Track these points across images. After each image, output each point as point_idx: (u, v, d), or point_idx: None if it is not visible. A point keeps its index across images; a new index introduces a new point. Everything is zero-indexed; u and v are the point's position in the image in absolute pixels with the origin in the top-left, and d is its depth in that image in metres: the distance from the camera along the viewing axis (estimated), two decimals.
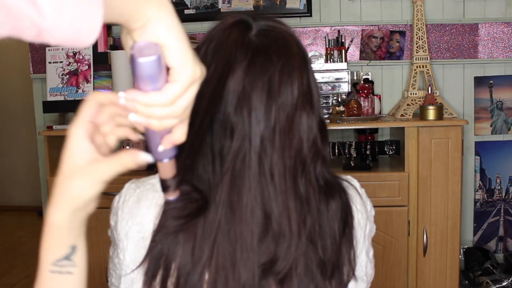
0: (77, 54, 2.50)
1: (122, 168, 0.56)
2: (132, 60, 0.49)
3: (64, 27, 0.41)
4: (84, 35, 0.43)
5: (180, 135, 0.55)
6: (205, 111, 0.71)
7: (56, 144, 2.41)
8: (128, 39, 0.52)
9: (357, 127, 2.38)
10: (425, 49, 2.46)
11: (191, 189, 0.71)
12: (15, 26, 0.40)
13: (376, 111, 2.43)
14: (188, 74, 0.51)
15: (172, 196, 0.63)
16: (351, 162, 2.29)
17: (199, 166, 0.72)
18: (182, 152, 0.70)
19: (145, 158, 0.56)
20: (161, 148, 0.56)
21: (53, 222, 0.58)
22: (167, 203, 0.72)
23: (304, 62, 0.74)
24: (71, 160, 0.56)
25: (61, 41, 0.42)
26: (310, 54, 2.68)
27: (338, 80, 2.50)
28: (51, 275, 0.59)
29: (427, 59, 2.47)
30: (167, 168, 0.61)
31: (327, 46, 2.61)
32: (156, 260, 0.71)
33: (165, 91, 0.50)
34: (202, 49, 0.74)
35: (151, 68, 0.48)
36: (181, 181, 0.63)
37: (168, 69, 0.51)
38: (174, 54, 0.50)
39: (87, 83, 2.50)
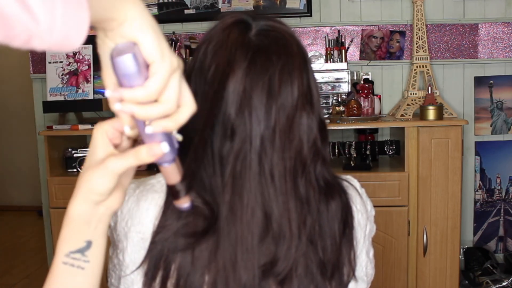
0: (77, 54, 2.50)
1: (136, 161, 0.57)
2: (111, 60, 0.51)
3: (56, 31, 0.42)
4: (72, 38, 0.44)
5: (178, 120, 0.56)
6: (206, 112, 0.70)
7: (56, 144, 2.42)
8: (106, 41, 0.53)
9: (357, 127, 2.38)
10: (425, 49, 2.46)
11: (199, 201, 0.70)
12: (7, 33, 0.41)
13: (376, 111, 2.43)
14: (165, 65, 0.52)
15: (185, 203, 0.62)
16: (351, 162, 2.29)
17: (199, 167, 0.71)
18: (186, 155, 0.70)
19: (162, 148, 0.56)
20: (149, 129, 0.54)
21: (71, 213, 0.60)
22: (167, 204, 0.72)
23: (304, 62, 0.74)
24: (91, 156, 0.60)
25: (50, 45, 0.43)
26: (310, 54, 2.68)
27: (338, 80, 2.50)
28: (63, 267, 0.60)
29: (427, 59, 2.47)
30: (172, 173, 0.60)
31: (327, 46, 2.61)
32: (156, 261, 0.71)
33: (147, 84, 0.52)
34: (202, 49, 0.74)
35: (128, 66, 0.50)
36: (189, 188, 0.63)
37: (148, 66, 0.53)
38: (149, 49, 0.52)
39: (87, 83, 2.50)
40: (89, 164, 0.60)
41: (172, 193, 0.62)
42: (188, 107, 0.56)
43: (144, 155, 0.57)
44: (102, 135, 0.60)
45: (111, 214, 0.62)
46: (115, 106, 0.53)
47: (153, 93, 0.52)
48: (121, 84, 0.52)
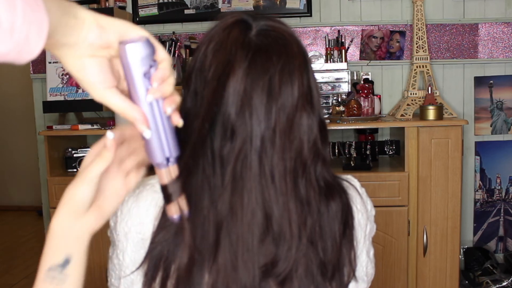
0: None
1: (106, 162, 0.61)
2: (122, 48, 0.54)
3: (17, 32, 0.42)
4: (32, 41, 0.44)
5: (176, 96, 0.60)
6: (206, 112, 0.70)
7: (56, 144, 2.42)
8: (84, 59, 0.54)
9: (357, 127, 2.38)
10: (425, 49, 2.46)
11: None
12: None
13: (376, 111, 2.43)
14: (145, 33, 0.57)
15: (174, 213, 0.63)
16: (351, 162, 2.29)
17: (200, 167, 0.71)
18: (183, 153, 0.70)
19: (108, 135, 0.62)
20: (179, 122, 0.59)
21: (52, 227, 0.62)
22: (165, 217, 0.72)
23: (304, 62, 0.74)
24: (81, 167, 0.64)
25: (10, 48, 0.43)
26: (310, 54, 2.68)
27: (338, 80, 2.50)
28: (43, 283, 0.61)
29: (427, 59, 2.47)
30: (166, 174, 0.61)
31: (327, 46, 2.61)
32: (156, 261, 0.71)
33: (163, 66, 0.57)
34: (202, 49, 0.74)
35: (147, 48, 0.55)
36: (181, 191, 0.63)
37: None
38: (147, 36, 0.56)
39: None
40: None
41: (164, 194, 0.62)
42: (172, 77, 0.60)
43: (106, 154, 0.61)
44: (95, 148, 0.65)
45: (90, 233, 0.62)
46: (147, 98, 0.56)
47: (170, 70, 0.58)
48: (130, 72, 0.55)
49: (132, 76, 0.55)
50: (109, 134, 0.62)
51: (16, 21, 0.42)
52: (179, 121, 0.60)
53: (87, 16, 0.53)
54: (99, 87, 0.56)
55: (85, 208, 0.61)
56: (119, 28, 0.55)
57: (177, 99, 0.60)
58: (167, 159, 0.60)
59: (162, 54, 0.57)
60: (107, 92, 0.56)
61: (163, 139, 0.59)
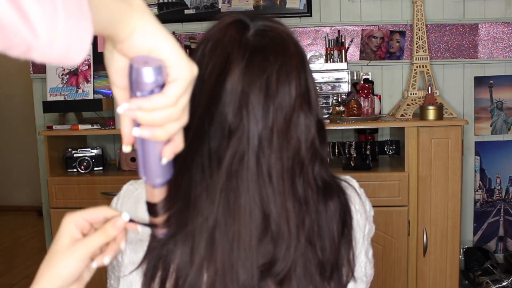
0: None
1: (105, 238, 0.60)
2: (137, 70, 0.49)
3: (57, 45, 0.41)
4: (74, 53, 0.42)
5: (179, 142, 0.56)
6: (203, 112, 0.70)
7: (56, 144, 2.42)
8: (114, 53, 0.52)
9: (357, 127, 2.38)
10: (425, 49, 2.46)
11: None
12: (6, 43, 0.39)
13: (376, 111, 2.43)
14: (187, 71, 0.51)
15: (161, 230, 0.63)
16: (351, 162, 2.29)
17: (198, 167, 0.71)
18: (181, 153, 0.70)
19: (123, 218, 0.60)
20: (164, 161, 0.55)
21: None
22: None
23: (302, 62, 0.74)
24: (56, 243, 0.60)
25: (50, 59, 0.42)
26: (310, 54, 2.68)
27: (338, 80, 2.50)
28: None
29: (427, 59, 2.47)
30: (162, 193, 0.61)
31: (327, 46, 2.61)
32: (155, 262, 0.71)
33: (168, 91, 0.50)
34: (200, 49, 0.74)
35: (157, 75, 0.49)
36: (168, 208, 0.63)
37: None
38: (169, 54, 0.50)
39: (87, 83, 2.50)
40: (54, 251, 0.59)
41: (150, 210, 0.62)
42: (183, 119, 0.54)
43: (110, 230, 0.59)
44: (71, 224, 0.60)
45: None
46: (133, 132, 0.52)
47: (173, 101, 0.50)
48: (135, 92, 0.51)
49: (131, 94, 0.53)
50: (125, 216, 0.61)
51: (57, 34, 0.40)
52: (168, 158, 0.56)
53: (139, 23, 0.49)
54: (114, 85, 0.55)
55: (70, 283, 0.59)
56: (156, 42, 0.50)
57: (178, 145, 0.56)
58: (159, 181, 0.58)
59: (175, 73, 0.51)
60: (116, 91, 0.55)
61: (153, 163, 0.56)
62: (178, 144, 0.56)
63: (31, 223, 4.79)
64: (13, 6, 0.37)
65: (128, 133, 0.53)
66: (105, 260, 0.61)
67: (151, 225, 0.63)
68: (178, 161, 0.69)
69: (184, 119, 0.54)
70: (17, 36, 0.39)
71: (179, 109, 0.52)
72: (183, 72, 0.51)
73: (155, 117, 0.51)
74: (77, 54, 0.42)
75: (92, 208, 0.62)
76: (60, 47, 0.41)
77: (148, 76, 0.49)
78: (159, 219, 0.62)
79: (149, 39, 0.49)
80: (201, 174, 0.70)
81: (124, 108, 0.51)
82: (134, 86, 0.51)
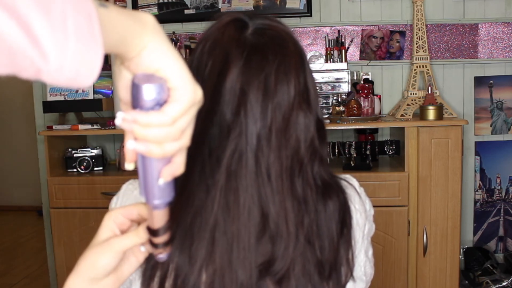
0: None
1: (138, 239, 0.62)
2: (137, 87, 0.49)
3: (66, 69, 0.41)
4: (83, 77, 0.42)
5: (179, 164, 0.55)
6: (206, 111, 0.70)
7: (56, 144, 2.42)
8: (122, 70, 0.52)
9: (357, 127, 2.37)
10: (425, 49, 2.46)
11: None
12: (16, 67, 0.39)
13: (376, 111, 2.43)
14: (189, 94, 0.51)
15: (163, 253, 0.63)
16: (351, 162, 2.29)
17: (197, 166, 0.71)
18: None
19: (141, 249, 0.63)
20: (161, 181, 0.54)
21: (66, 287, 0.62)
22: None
23: (301, 60, 0.74)
24: (96, 238, 0.64)
25: (59, 82, 0.42)
26: (310, 54, 2.68)
27: (338, 80, 2.50)
28: None
29: (427, 59, 2.47)
30: (162, 215, 0.59)
31: (327, 46, 2.61)
32: (154, 261, 0.70)
33: (166, 110, 0.50)
34: (199, 48, 0.74)
35: (157, 93, 0.49)
36: (170, 228, 0.62)
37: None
38: (175, 75, 0.50)
39: None
40: (93, 244, 0.63)
41: (151, 232, 0.61)
42: (182, 141, 0.53)
43: (143, 233, 0.61)
44: (110, 220, 0.64)
45: None
46: (127, 145, 0.52)
47: (169, 121, 0.50)
48: (135, 108, 0.51)
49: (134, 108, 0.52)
50: (142, 248, 0.63)
51: (67, 58, 0.40)
52: (165, 179, 0.55)
53: (149, 43, 0.49)
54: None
55: (105, 275, 0.62)
56: (164, 63, 0.50)
57: (178, 168, 0.55)
58: (157, 203, 0.57)
59: (177, 94, 0.50)
60: (122, 107, 0.55)
61: (151, 183, 0.55)
62: (178, 166, 0.55)
63: (31, 223, 4.80)
64: (24, 30, 0.37)
65: (130, 150, 0.53)
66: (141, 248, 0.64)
67: (152, 244, 0.62)
68: None
69: (184, 141, 0.53)
70: (26, 60, 0.39)
71: (177, 129, 0.51)
72: (186, 94, 0.51)
73: (150, 133, 0.50)
74: (87, 77, 0.42)
75: (131, 205, 0.65)
76: (69, 71, 0.41)
77: (148, 93, 0.49)
78: (160, 239, 0.61)
79: (157, 59, 0.49)
80: (201, 174, 0.70)
81: (121, 117, 0.50)
82: (135, 102, 0.50)
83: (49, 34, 0.38)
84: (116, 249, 0.61)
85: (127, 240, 0.61)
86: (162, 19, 2.75)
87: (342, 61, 2.54)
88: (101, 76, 2.58)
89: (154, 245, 0.62)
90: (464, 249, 2.65)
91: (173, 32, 2.68)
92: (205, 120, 0.70)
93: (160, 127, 0.50)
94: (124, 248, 0.61)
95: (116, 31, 0.46)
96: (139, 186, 0.56)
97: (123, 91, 0.53)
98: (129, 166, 0.54)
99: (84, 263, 0.61)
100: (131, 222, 0.65)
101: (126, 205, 0.66)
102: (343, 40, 2.60)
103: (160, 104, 0.50)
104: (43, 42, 0.38)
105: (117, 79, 0.54)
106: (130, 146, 0.52)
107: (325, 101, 2.50)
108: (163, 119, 0.50)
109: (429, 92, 2.35)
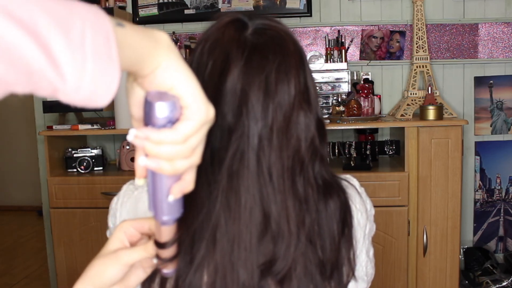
0: None
1: (145, 254, 0.62)
2: (150, 104, 0.50)
3: (83, 90, 0.41)
4: (100, 97, 0.43)
5: (189, 182, 0.56)
6: None
7: (56, 144, 2.42)
8: (134, 87, 0.52)
9: (357, 127, 2.38)
10: (425, 49, 2.46)
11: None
12: (33, 85, 0.40)
13: (376, 111, 2.43)
14: (202, 112, 0.51)
15: (169, 268, 0.63)
16: (351, 162, 2.29)
17: (199, 167, 0.71)
18: None
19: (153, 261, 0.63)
20: (171, 198, 0.55)
21: None
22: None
23: (301, 60, 0.74)
24: (105, 248, 0.64)
25: (75, 101, 0.42)
26: (310, 54, 2.68)
27: (338, 80, 2.50)
28: None
29: (427, 59, 2.47)
30: (170, 230, 0.60)
31: (327, 46, 2.61)
32: None
33: (178, 128, 0.50)
34: (199, 48, 0.74)
35: (170, 111, 0.50)
36: (176, 242, 0.63)
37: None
38: (187, 93, 0.50)
39: None
40: (102, 253, 0.63)
41: (158, 245, 0.61)
42: (193, 159, 0.53)
43: (151, 249, 0.61)
44: (121, 232, 0.64)
45: None
46: (139, 161, 0.52)
47: (181, 139, 0.50)
48: (147, 126, 0.51)
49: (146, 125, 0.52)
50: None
51: (84, 80, 0.41)
52: (175, 196, 0.55)
53: (163, 60, 0.50)
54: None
55: (111, 285, 0.62)
56: (177, 81, 0.50)
57: (188, 185, 0.55)
58: (166, 219, 0.57)
59: (189, 113, 0.51)
60: (134, 124, 0.55)
61: (160, 199, 0.55)
62: (188, 184, 0.56)
63: (31, 223, 4.79)
64: (44, 53, 0.38)
65: (141, 165, 0.53)
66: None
67: (158, 258, 0.62)
68: None
69: (195, 159, 0.54)
70: (45, 80, 0.39)
71: (188, 148, 0.52)
72: (198, 113, 0.51)
73: (161, 150, 0.50)
74: (103, 98, 0.43)
75: (143, 219, 0.65)
76: (86, 91, 0.41)
77: (160, 111, 0.49)
78: (166, 254, 0.61)
79: (170, 77, 0.50)
80: (202, 174, 0.70)
81: (133, 134, 0.51)
82: (147, 119, 0.51)
83: (68, 56, 0.39)
84: (123, 261, 0.61)
85: (135, 254, 0.62)
86: (162, 19, 2.75)
87: (342, 61, 2.54)
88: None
89: (161, 259, 0.62)
90: (464, 249, 2.65)
91: (173, 32, 2.68)
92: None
93: (172, 145, 0.50)
94: (132, 261, 0.62)
95: (131, 50, 0.46)
96: (148, 201, 0.56)
97: (135, 108, 0.53)
98: (139, 181, 0.54)
99: (92, 272, 0.62)
100: (141, 235, 0.65)
101: (138, 218, 0.66)
102: (343, 40, 2.60)
103: (172, 122, 0.50)
104: (62, 64, 0.39)
105: (129, 96, 0.54)
106: (142, 162, 0.52)
107: (325, 101, 2.50)
108: (175, 137, 0.50)
109: (429, 92, 2.35)
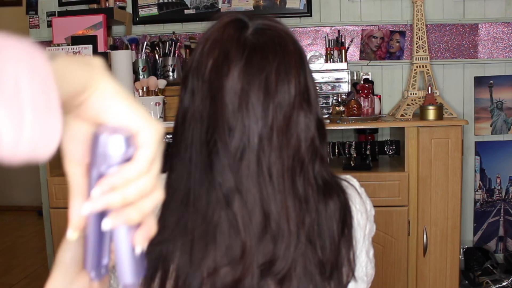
0: (77, 54, 2.50)
1: None
2: (105, 140, 0.44)
3: (21, 147, 0.37)
4: (38, 155, 0.38)
5: (152, 224, 0.48)
6: (204, 111, 0.70)
7: None
8: (67, 120, 0.46)
9: (357, 127, 2.37)
10: (425, 49, 2.46)
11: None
12: None
13: (376, 111, 2.43)
14: (154, 132, 0.46)
15: None
16: (351, 162, 2.29)
17: (198, 166, 0.71)
18: (183, 153, 0.70)
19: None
20: (138, 249, 0.46)
21: None
22: (165, 205, 0.72)
23: (301, 60, 0.74)
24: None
25: (14, 160, 0.38)
26: (310, 54, 2.68)
27: (338, 80, 2.50)
28: None
29: (427, 59, 2.47)
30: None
31: (327, 46, 2.61)
32: (155, 262, 0.70)
33: (139, 157, 0.44)
34: (199, 48, 0.74)
35: (126, 145, 0.44)
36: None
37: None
38: (131, 115, 0.45)
39: None
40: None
41: None
42: (156, 195, 0.47)
43: None
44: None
45: None
46: (83, 210, 0.45)
47: (146, 167, 0.44)
48: (99, 167, 0.45)
49: (92, 169, 0.46)
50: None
51: (23, 136, 0.36)
52: (142, 245, 0.47)
53: (99, 85, 0.45)
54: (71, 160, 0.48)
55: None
56: (116, 103, 0.45)
57: (151, 228, 0.48)
58: (134, 280, 0.47)
59: (142, 136, 0.45)
60: (71, 170, 0.49)
61: (125, 256, 0.46)
62: (151, 227, 0.48)
63: (31, 223, 4.79)
64: None
65: (79, 216, 0.46)
66: None
67: None
68: (179, 161, 0.69)
69: (158, 195, 0.47)
70: None
71: (152, 177, 0.46)
72: (151, 133, 0.45)
73: (129, 193, 0.44)
74: (44, 151, 0.38)
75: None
76: (25, 148, 0.37)
77: (118, 146, 0.44)
78: None
79: (108, 100, 0.45)
80: (202, 174, 0.70)
81: (96, 195, 0.44)
82: (100, 159, 0.44)
83: (3, 116, 0.35)
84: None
85: None
86: (162, 19, 2.75)
87: (342, 61, 2.54)
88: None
89: None
90: (464, 249, 2.65)
91: (173, 32, 2.68)
92: (207, 120, 0.70)
93: (138, 180, 0.44)
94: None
95: (66, 82, 0.41)
96: (87, 263, 0.47)
97: (71, 145, 0.48)
98: (73, 235, 0.47)
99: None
100: None
101: None
102: (343, 40, 2.60)
103: (128, 158, 0.44)
104: None
105: (66, 139, 0.47)
106: (107, 225, 0.44)
107: (325, 101, 2.50)
108: (139, 167, 0.44)
109: (429, 92, 2.35)
